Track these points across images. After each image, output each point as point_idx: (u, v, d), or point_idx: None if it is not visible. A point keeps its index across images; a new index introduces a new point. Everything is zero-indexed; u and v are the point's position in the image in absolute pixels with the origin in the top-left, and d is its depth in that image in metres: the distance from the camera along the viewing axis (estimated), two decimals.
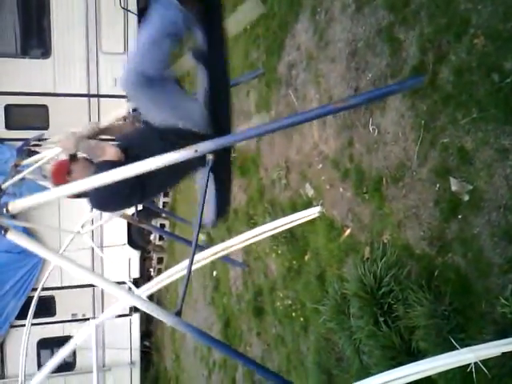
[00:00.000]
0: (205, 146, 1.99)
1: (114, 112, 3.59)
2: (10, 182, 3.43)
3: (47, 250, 2.12)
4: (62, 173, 3.19)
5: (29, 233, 8.65)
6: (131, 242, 11.32)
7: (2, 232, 1.92)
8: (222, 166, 2.96)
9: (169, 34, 2.59)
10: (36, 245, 2.08)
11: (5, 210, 1.90)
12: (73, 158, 3.20)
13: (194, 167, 3.02)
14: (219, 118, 2.81)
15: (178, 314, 2.43)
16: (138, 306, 2.30)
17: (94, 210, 3.18)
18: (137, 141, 3.11)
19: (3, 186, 2.70)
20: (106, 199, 3.06)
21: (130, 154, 2.97)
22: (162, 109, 2.80)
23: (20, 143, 4.71)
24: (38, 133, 4.78)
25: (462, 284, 3.17)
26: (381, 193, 3.96)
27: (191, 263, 2.64)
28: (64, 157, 3.27)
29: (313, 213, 3.37)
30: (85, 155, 3.21)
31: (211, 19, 2.68)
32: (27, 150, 4.26)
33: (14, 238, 1.98)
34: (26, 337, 5.27)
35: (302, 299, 5.14)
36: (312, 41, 5.10)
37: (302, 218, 3.37)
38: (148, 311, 2.29)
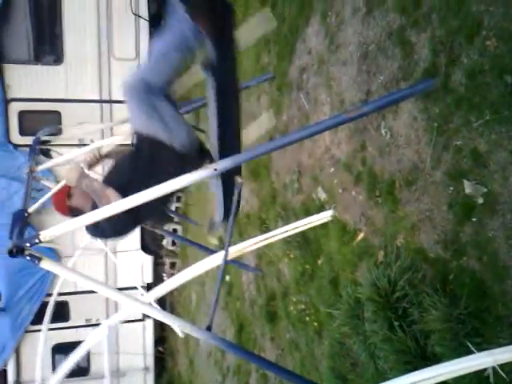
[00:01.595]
0: (223, 164, 2.02)
1: (114, 136, 3.73)
2: (36, 205, 3.56)
3: (83, 276, 2.21)
4: (63, 196, 3.35)
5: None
6: (144, 247, 11.36)
7: (36, 261, 2.00)
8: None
9: (179, 48, 2.65)
10: (71, 273, 2.22)
11: (37, 240, 1.99)
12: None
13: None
14: (227, 134, 2.84)
15: (209, 328, 2.46)
16: (168, 323, 2.32)
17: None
18: (131, 173, 3.18)
19: (30, 210, 2.76)
20: (100, 233, 3.25)
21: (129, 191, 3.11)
22: (154, 121, 2.81)
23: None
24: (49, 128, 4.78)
25: (477, 287, 3.14)
26: (394, 196, 3.94)
27: (223, 274, 2.70)
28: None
29: (325, 216, 3.35)
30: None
31: (222, 31, 2.72)
32: (39, 150, 4.28)
33: (48, 266, 2.05)
34: (42, 342, 5.30)
35: (315, 303, 5.12)
36: (323, 44, 5.10)
37: (315, 221, 3.36)
38: (178, 327, 2.31)
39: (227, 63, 2.79)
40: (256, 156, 2.20)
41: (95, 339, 3.11)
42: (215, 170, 2.03)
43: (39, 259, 2.03)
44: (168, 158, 2.94)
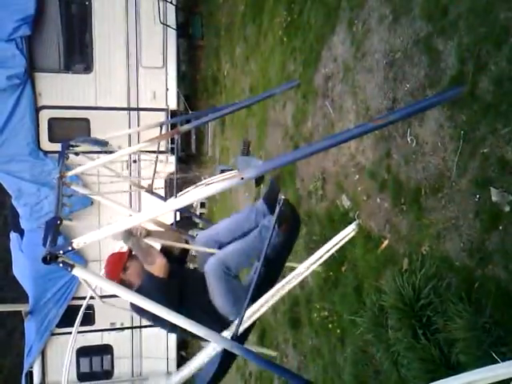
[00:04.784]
0: (250, 173, 2.05)
1: (140, 144, 3.92)
2: (68, 223, 3.65)
3: (113, 285, 2.28)
4: (118, 265, 3.47)
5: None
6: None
7: (69, 269, 2.05)
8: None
9: (258, 252, 3.27)
10: (102, 280, 2.28)
11: (70, 247, 2.05)
12: (132, 255, 3.46)
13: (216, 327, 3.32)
14: None
15: (234, 338, 2.49)
16: (193, 331, 2.35)
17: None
18: (188, 274, 3.66)
19: (63, 217, 2.82)
20: (141, 313, 3.41)
21: (174, 278, 3.38)
22: (228, 301, 3.34)
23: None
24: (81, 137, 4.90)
25: (503, 296, 3.11)
26: (419, 204, 3.93)
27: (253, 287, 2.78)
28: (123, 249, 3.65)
29: (351, 230, 3.35)
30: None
31: (288, 242, 3.52)
32: (68, 155, 4.39)
33: (80, 273, 2.11)
34: (71, 345, 5.38)
35: (338, 311, 5.11)
36: (349, 52, 5.12)
37: (342, 239, 3.37)
38: (203, 336, 2.34)
39: (278, 266, 3.58)
40: (282, 165, 2.23)
41: None
42: (242, 179, 2.06)
43: (72, 266, 2.09)
44: (213, 312, 3.36)
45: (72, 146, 4.64)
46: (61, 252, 2.05)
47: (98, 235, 2.12)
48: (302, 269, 3.23)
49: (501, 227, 3.17)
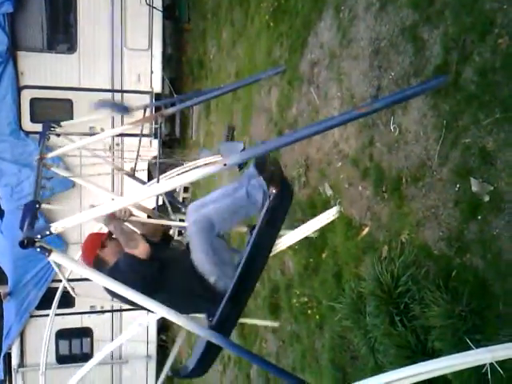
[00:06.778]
0: (233, 160, 2.02)
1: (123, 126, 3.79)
2: (48, 206, 3.59)
3: (87, 269, 2.26)
4: (96, 243, 3.42)
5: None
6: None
7: (46, 254, 2.01)
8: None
9: (248, 211, 3.24)
10: (78, 266, 2.26)
11: (48, 232, 2.00)
12: (112, 237, 3.41)
13: (202, 307, 3.30)
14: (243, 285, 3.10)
15: (212, 327, 2.50)
16: (171, 319, 2.34)
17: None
18: (170, 258, 3.44)
19: (42, 200, 2.76)
20: (116, 296, 3.25)
21: (156, 260, 3.27)
22: (209, 258, 3.19)
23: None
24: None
25: (479, 285, 3.15)
26: (400, 192, 3.95)
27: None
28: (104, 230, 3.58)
29: (331, 214, 3.39)
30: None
31: (279, 207, 3.18)
32: (49, 135, 4.31)
33: (58, 258, 2.06)
34: (49, 327, 5.35)
35: (318, 297, 5.14)
36: (335, 39, 5.10)
37: (322, 222, 3.40)
38: (181, 324, 2.34)
39: (269, 233, 3.20)
40: (267, 151, 2.20)
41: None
42: (225, 165, 2.03)
43: (49, 251, 2.04)
44: (199, 282, 3.25)
45: (53, 126, 4.56)
46: (38, 236, 2.00)
47: (77, 219, 2.08)
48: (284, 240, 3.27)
49: (480, 217, 3.20)
